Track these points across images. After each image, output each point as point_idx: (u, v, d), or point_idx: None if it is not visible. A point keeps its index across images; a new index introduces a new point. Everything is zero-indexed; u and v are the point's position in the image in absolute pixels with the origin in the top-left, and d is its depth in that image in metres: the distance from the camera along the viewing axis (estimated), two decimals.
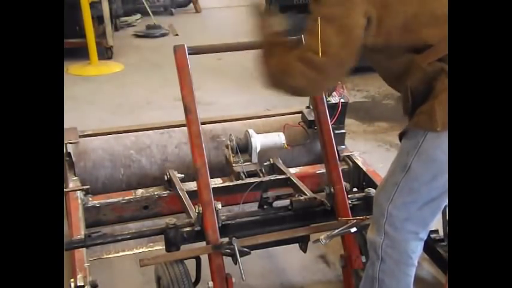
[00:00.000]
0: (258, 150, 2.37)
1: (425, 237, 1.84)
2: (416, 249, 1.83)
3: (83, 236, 2.16)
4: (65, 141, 2.72)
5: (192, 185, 2.48)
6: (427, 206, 1.76)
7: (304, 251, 2.32)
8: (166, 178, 2.69)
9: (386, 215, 1.79)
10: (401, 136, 1.82)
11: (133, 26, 8.20)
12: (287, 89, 1.79)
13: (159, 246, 2.54)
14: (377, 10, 1.63)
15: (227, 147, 2.38)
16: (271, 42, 1.83)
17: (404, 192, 1.76)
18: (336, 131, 2.61)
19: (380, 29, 1.66)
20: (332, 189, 2.28)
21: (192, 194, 2.41)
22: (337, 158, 2.34)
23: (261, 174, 2.37)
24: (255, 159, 2.37)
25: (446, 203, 1.79)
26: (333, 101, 2.84)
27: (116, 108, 4.90)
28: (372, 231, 1.87)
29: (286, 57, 1.72)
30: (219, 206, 2.13)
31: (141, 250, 2.62)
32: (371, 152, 3.92)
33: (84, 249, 2.15)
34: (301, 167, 2.92)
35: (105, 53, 6.36)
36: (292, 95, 1.86)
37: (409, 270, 1.85)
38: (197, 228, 2.14)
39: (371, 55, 1.79)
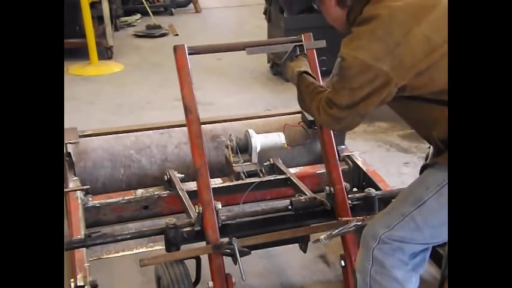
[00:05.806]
0: (258, 150, 2.37)
1: (413, 266, 1.76)
2: (405, 277, 1.75)
3: (83, 236, 2.16)
4: (65, 141, 2.73)
5: (192, 185, 2.48)
6: (422, 245, 1.73)
7: (304, 251, 2.32)
8: (166, 178, 2.69)
9: (378, 240, 1.73)
10: (424, 168, 1.74)
11: (134, 26, 8.22)
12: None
13: (159, 246, 2.53)
14: (409, 81, 1.63)
15: (227, 147, 2.38)
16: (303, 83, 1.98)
17: (408, 228, 1.68)
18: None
19: (413, 91, 1.66)
20: (332, 189, 2.27)
21: (192, 194, 2.41)
22: (337, 158, 2.34)
23: (261, 174, 2.37)
24: (255, 159, 2.36)
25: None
26: None
27: (116, 108, 4.90)
28: (360, 254, 1.82)
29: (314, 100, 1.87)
30: (219, 206, 2.13)
31: (141, 250, 2.62)
32: (371, 152, 3.92)
33: (84, 249, 2.15)
34: (301, 167, 2.92)
35: (105, 53, 6.37)
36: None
37: None
38: (197, 228, 2.14)
39: (399, 104, 1.76)
